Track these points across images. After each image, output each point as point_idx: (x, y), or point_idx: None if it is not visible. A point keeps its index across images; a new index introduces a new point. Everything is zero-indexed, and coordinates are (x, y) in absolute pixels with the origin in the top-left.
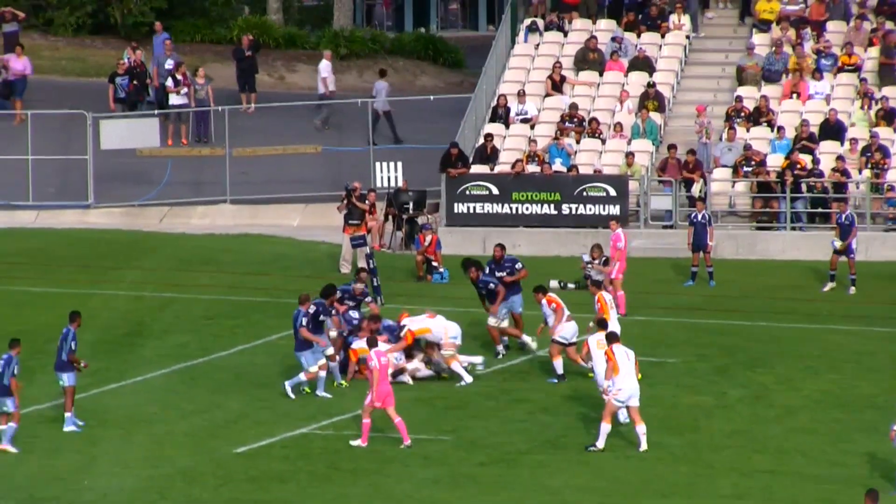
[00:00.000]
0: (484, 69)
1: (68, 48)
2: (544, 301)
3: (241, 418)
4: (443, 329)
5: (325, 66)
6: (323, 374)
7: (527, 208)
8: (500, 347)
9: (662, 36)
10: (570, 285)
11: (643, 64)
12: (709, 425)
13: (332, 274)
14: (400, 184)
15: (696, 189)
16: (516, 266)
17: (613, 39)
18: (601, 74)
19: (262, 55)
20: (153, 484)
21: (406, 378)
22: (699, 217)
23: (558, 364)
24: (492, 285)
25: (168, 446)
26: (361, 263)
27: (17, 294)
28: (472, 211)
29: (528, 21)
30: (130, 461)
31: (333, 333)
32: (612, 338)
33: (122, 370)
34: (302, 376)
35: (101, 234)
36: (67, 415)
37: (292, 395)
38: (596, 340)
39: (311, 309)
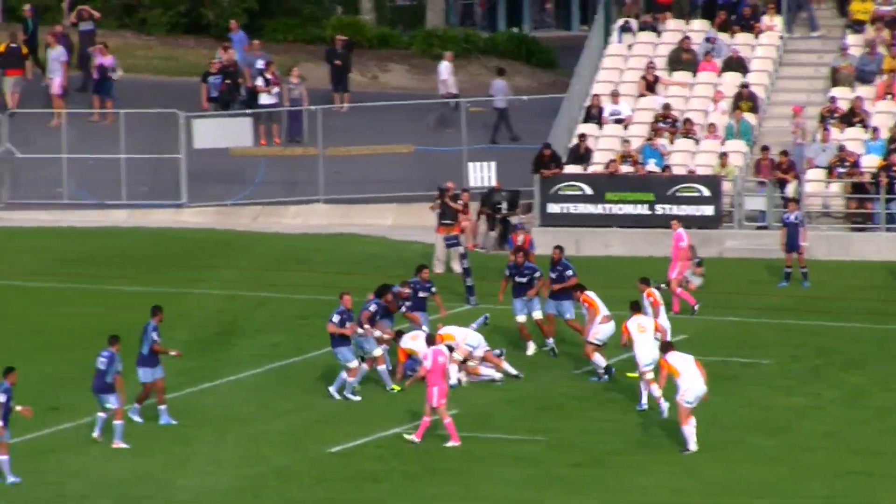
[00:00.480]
0: (577, 69)
1: (161, 47)
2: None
3: (335, 418)
4: (462, 336)
5: (445, 68)
6: (365, 367)
7: (620, 208)
8: (551, 341)
9: (756, 36)
10: (663, 286)
11: (737, 64)
12: (802, 426)
13: None
14: (493, 184)
15: (790, 190)
16: (566, 273)
17: (707, 40)
18: (695, 75)
19: (355, 55)
20: (247, 483)
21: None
22: (792, 218)
23: (598, 359)
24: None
25: (263, 445)
26: (455, 263)
27: (111, 294)
28: (565, 211)
29: (621, 21)
30: (224, 460)
31: (377, 334)
32: (665, 347)
33: (215, 369)
34: (343, 375)
35: (194, 233)
36: (136, 405)
37: (337, 396)
38: (636, 324)
39: (373, 308)
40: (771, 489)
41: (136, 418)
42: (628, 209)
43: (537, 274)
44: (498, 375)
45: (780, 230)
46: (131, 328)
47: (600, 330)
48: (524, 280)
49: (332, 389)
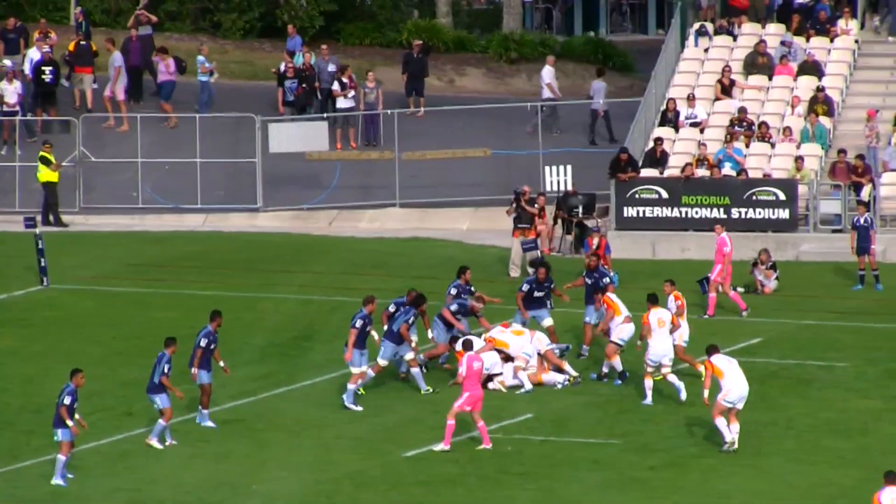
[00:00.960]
0: (653, 73)
1: (237, 51)
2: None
3: (410, 422)
4: (520, 346)
5: (548, 72)
6: (371, 373)
7: (696, 212)
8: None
9: (831, 40)
10: (739, 289)
11: (812, 68)
12: (878, 429)
13: (502, 278)
14: (569, 188)
15: (865, 193)
16: (603, 280)
17: (782, 44)
18: (770, 78)
19: (432, 59)
20: (322, 488)
21: (496, 385)
22: (862, 220)
23: (617, 363)
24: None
25: (337, 450)
26: (531, 268)
27: (186, 297)
28: (641, 215)
29: (697, 25)
30: (299, 465)
31: (416, 338)
32: (711, 350)
33: (291, 374)
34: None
35: (270, 237)
36: (204, 411)
37: (354, 407)
38: (656, 318)
39: (411, 319)
40: (848, 491)
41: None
42: (704, 213)
43: (552, 285)
44: (560, 378)
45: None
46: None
47: (623, 330)
48: (542, 294)
49: (345, 399)
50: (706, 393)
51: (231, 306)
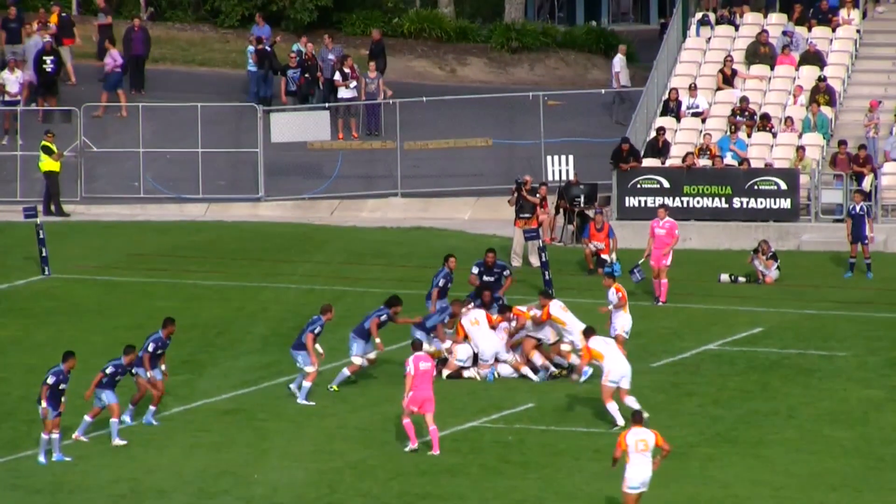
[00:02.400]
0: (655, 63)
1: (238, 41)
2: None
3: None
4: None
5: (618, 61)
6: (365, 363)
7: (698, 202)
8: None
9: (833, 30)
10: (741, 279)
11: (814, 58)
12: (879, 418)
13: None
14: (571, 177)
15: (866, 183)
16: (504, 273)
17: (784, 33)
18: (772, 68)
19: (434, 48)
20: (323, 477)
21: (472, 373)
22: (857, 209)
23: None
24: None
25: (339, 440)
26: (532, 257)
27: (188, 287)
28: (642, 205)
29: (699, 15)
30: (301, 455)
31: (430, 348)
32: (588, 332)
33: (293, 363)
34: (345, 371)
35: (272, 227)
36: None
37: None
38: (603, 346)
39: (384, 317)
40: (849, 481)
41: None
42: (706, 202)
43: (507, 272)
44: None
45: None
46: (208, 322)
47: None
48: (491, 279)
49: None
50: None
51: (233, 296)
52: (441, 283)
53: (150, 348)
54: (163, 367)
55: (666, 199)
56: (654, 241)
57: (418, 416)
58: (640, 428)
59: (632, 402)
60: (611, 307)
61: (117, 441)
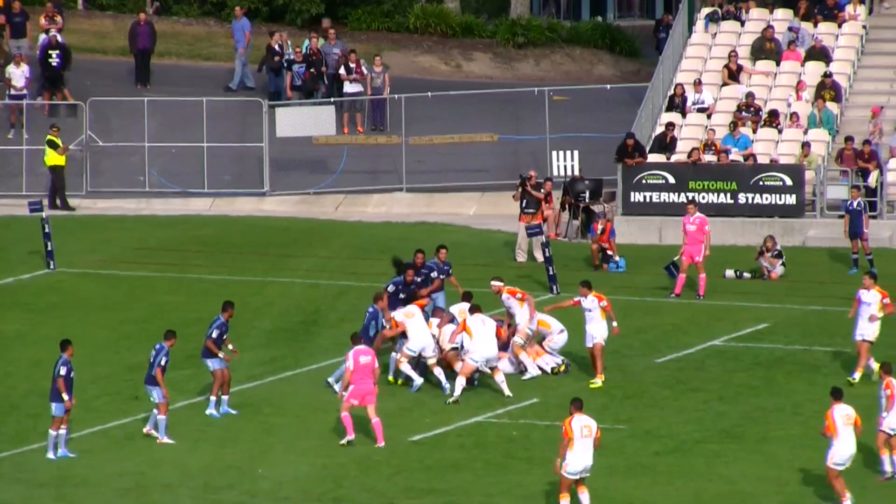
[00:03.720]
0: (661, 58)
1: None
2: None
3: (416, 407)
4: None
5: None
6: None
7: (703, 197)
8: None
9: (839, 26)
10: (746, 275)
11: (819, 54)
12: None
13: (509, 262)
14: (576, 172)
15: (872, 179)
16: (432, 275)
17: (790, 29)
18: (778, 64)
19: (439, 43)
20: (328, 472)
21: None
22: (854, 205)
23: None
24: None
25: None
26: (537, 252)
27: (193, 282)
28: (648, 200)
29: (705, 10)
30: (306, 450)
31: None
32: (472, 309)
33: (298, 358)
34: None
35: (277, 221)
36: (213, 399)
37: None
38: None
39: (391, 288)
40: (855, 478)
41: (213, 412)
42: (711, 198)
43: (434, 274)
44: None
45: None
46: (213, 316)
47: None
48: (405, 297)
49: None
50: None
51: (238, 290)
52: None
53: (215, 335)
54: (230, 346)
55: (671, 194)
56: (686, 236)
57: (359, 409)
58: (583, 415)
59: (500, 379)
60: (586, 313)
61: (165, 439)
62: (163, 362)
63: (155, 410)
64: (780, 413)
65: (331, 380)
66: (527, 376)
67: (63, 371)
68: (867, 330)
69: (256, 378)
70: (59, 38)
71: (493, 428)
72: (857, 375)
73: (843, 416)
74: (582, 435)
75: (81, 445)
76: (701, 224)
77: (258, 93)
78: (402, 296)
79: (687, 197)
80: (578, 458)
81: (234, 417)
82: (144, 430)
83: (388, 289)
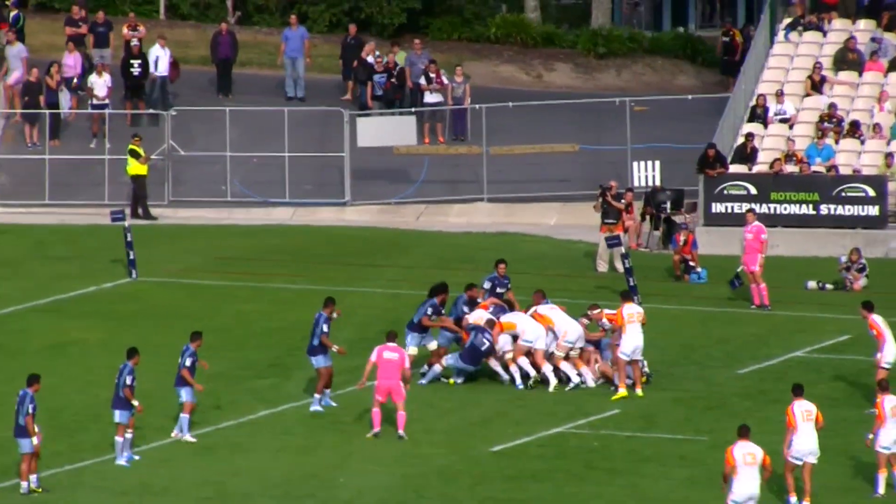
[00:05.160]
0: (742, 69)
1: (325, 45)
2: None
3: (497, 417)
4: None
5: None
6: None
7: (785, 208)
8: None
9: None
10: (828, 286)
11: None
12: None
13: (589, 273)
14: (657, 183)
15: None
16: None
17: (873, 40)
18: (860, 75)
19: (520, 53)
20: (409, 482)
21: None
22: None
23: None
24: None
25: (424, 444)
26: (617, 263)
27: (274, 291)
28: (729, 211)
29: (786, 21)
30: (386, 459)
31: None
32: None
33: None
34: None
35: (358, 231)
36: (316, 396)
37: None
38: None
39: (429, 311)
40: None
41: (318, 408)
42: (793, 209)
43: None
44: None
45: None
46: (295, 325)
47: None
48: (505, 290)
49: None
50: None
51: (319, 300)
52: (487, 286)
53: (326, 329)
54: (335, 349)
55: (753, 205)
56: (745, 245)
57: (389, 405)
58: (748, 442)
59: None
60: (609, 334)
61: (187, 437)
62: (188, 363)
63: (182, 414)
64: (861, 425)
65: (423, 382)
66: (571, 385)
67: (129, 381)
68: None
69: (337, 387)
70: (140, 47)
71: (573, 438)
72: None
73: (802, 411)
74: (745, 462)
75: (162, 454)
76: (758, 233)
77: (337, 102)
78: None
79: (768, 208)
80: (743, 486)
81: (315, 426)
82: (173, 434)
83: (428, 312)
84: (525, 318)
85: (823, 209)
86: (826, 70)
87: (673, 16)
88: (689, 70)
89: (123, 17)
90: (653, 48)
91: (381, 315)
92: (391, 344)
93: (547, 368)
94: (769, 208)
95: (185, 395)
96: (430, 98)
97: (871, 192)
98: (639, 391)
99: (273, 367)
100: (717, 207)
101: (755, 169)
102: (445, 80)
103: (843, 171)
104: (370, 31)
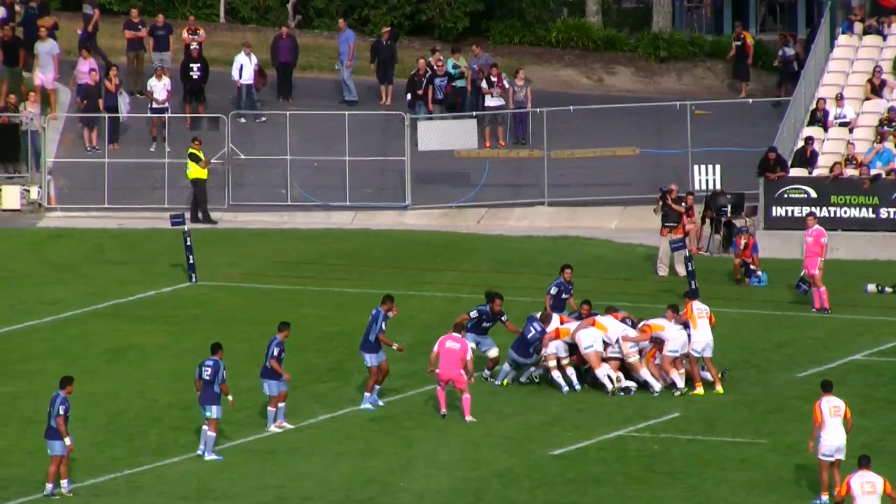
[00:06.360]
0: (803, 72)
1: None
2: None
3: (557, 420)
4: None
5: None
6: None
7: (845, 212)
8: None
9: None
10: (888, 289)
11: None
12: None
13: (650, 276)
14: (718, 186)
15: None
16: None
17: None
18: None
19: (581, 56)
20: (469, 486)
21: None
22: None
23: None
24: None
25: (484, 448)
26: (679, 266)
27: (335, 295)
28: (790, 214)
29: (846, 24)
30: (446, 463)
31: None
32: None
33: None
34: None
35: (418, 235)
36: (367, 394)
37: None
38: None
39: (473, 314)
40: None
41: (368, 406)
42: (853, 212)
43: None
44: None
45: None
46: (355, 329)
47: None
48: (489, 325)
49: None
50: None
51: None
52: (553, 292)
53: (384, 326)
54: (395, 346)
55: (813, 209)
56: (805, 249)
57: (452, 390)
58: (868, 471)
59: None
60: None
61: (285, 425)
62: (275, 353)
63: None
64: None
65: (486, 373)
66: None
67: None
68: None
69: (397, 391)
70: (199, 50)
71: (634, 442)
72: None
73: (830, 406)
74: (864, 491)
75: (223, 458)
76: (817, 236)
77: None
78: (486, 324)
79: (828, 211)
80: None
81: (375, 430)
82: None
83: (471, 314)
84: (672, 326)
85: (883, 213)
86: (886, 74)
87: (733, 19)
88: (750, 74)
89: (183, 20)
90: (713, 52)
91: (442, 319)
92: (455, 334)
93: (642, 374)
94: (829, 212)
95: (268, 388)
96: (491, 102)
97: None
98: (719, 388)
99: (333, 372)
100: (778, 211)
101: (815, 173)
102: (507, 84)
103: None
104: (432, 35)
